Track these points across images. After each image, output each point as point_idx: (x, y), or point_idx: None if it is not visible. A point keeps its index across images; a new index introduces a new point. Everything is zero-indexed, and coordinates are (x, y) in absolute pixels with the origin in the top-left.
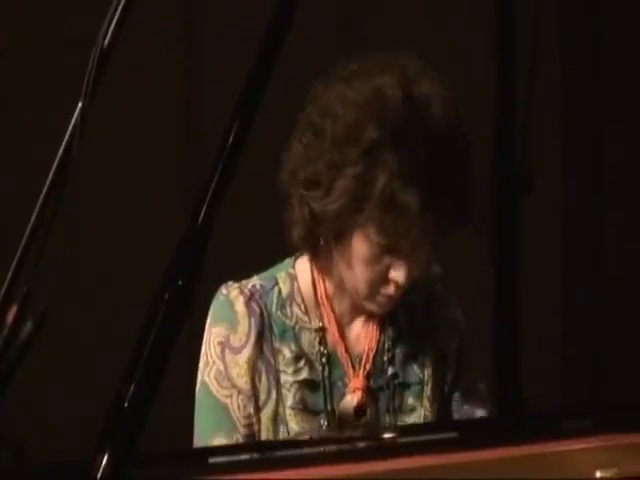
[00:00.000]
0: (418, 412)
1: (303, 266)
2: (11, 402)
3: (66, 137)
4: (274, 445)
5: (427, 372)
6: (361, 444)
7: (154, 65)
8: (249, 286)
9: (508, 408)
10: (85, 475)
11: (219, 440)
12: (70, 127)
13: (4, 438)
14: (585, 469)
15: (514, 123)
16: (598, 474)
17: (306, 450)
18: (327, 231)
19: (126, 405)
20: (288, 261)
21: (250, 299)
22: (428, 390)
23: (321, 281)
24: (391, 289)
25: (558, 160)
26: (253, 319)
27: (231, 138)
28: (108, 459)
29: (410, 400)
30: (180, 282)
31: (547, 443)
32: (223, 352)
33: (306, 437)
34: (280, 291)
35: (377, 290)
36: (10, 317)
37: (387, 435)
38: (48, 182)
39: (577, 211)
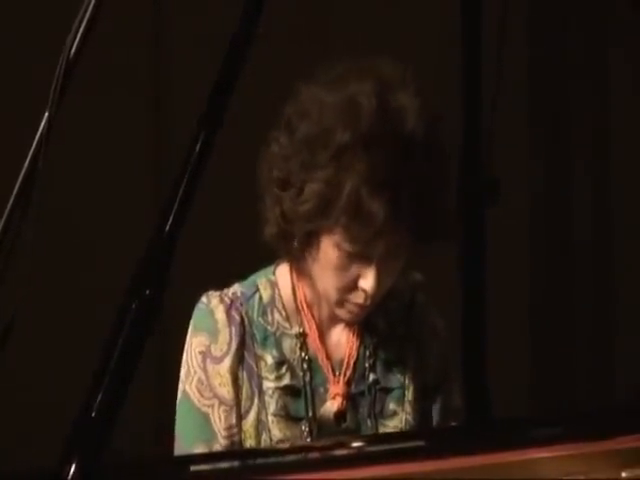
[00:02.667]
0: (400, 416)
1: (283, 272)
2: None
3: (33, 145)
4: (245, 453)
5: (408, 377)
6: (328, 452)
7: (121, 69)
8: (229, 293)
9: (476, 416)
10: None
11: (200, 450)
12: (37, 135)
13: None
14: (552, 476)
15: (479, 135)
16: None
17: (278, 458)
18: (298, 232)
19: (94, 413)
20: (269, 268)
21: (230, 307)
22: (409, 394)
23: (301, 287)
24: (360, 298)
25: (524, 170)
26: (234, 328)
27: (199, 143)
28: (76, 467)
29: (391, 405)
30: (147, 291)
31: (514, 450)
32: (204, 362)
33: (282, 445)
34: (261, 297)
35: (346, 298)
36: None
37: (354, 444)
38: (16, 190)
39: (545, 218)
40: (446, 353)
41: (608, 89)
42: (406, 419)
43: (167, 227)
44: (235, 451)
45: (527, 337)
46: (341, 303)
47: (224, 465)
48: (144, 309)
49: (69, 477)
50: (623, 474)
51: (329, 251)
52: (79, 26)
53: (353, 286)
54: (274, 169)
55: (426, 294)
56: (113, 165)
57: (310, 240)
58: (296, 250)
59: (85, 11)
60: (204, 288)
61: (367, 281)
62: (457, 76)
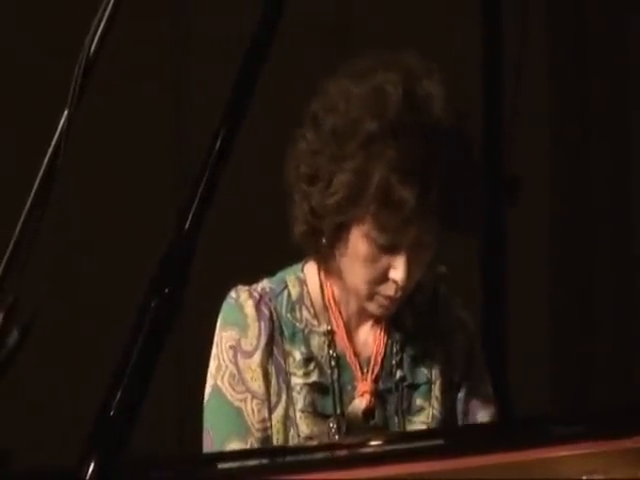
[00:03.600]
0: (427, 412)
1: (312, 270)
2: None
3: (52, 144)
4: (260, 452)
5: (435, 372)
6: (346, 452)
7: (141, 68)
8: (259, 289)
9: (496, 413)
10: None
11: (235, 444)
12: (56, 134)
13: None
14: (573, 475)
15: (501, 135)
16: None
17: (290, 458)
18: (327, 227)
19: (113, 411)
20: (297, 265)
21: (259, 302)
22: (436, 390)
23: (329, 284)
24: (391, 289)
25: (547, 170)
26: (263, 322)
27: (218, 142)
28: (95, 465)
29: (418, 401)
30: (167, 290)
31: (534, 449)
32: (235, 356)
33: (305, 443)
34: (289, 294)
35: (377, 290)
36: None
37: (373, 442)
38: (35, 189)
39: (565, 219)
40: (473, 344)
41: (629, 88)
42: (433, 414)
43: (187, 225)
44: (256, 449)
45: (547, 335)
46: (371, 297)
47: (246, 463)
48: (164, 308)
49: (87, 476)
50: None
51: (359, 243)
52: (98, 25)
53: (383, 278)
54: (301, 165)
55: (449, 286)
56: (133, 164)
57: (339, 234)
58: (325, 247)
59: (104, 10)
60: (224, 286)
61: (397, 272)
62: (478, 76)
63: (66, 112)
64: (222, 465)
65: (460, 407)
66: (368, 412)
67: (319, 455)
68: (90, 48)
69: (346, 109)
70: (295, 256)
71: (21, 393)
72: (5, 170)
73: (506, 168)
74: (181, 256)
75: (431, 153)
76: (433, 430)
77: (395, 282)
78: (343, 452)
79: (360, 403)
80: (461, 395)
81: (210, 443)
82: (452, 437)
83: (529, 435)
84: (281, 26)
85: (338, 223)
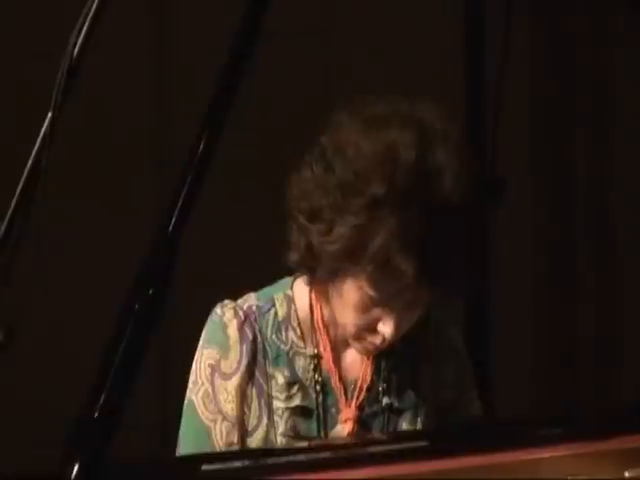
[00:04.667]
0: None
1: (301, 288)
2: None
3: (36, 147)
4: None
5: (422, 396)
6: (333, 454)
7: (124, 69)
8: (245, 307)
9: (479, 415)
10: None
11: None
12: (40, 135)
13: None
14: (557, 476)
15: (484, 135)
16: None
17: (285, 458)
18: (322, 268)
19: (97, 412)
20: (287, 281)
21: (244, 323)
22: (422, 415)
23: (318, 306)
24: (378, 339)
25: (526, 172)
26: (245, 345)
27: (202, 143)
28: (79, 467)
29: (404, 425)
30: (150, 290)
31: (519, 450)
32: (213, 375)
33: (288, 445)
34: (276, 314)
35: (364, 336)
36: None
37: (359, 444)
38: (18, 192)
39: (549, 219)
40: (464, 364)
41: (612, 87)
42: None
43: (170, 226)
44: (242, 451)
45: (531, 337)
46: (357, 338)
47: (229, 465)
48: (147, 308)
49: (72, 477)
50: (626, 474)
51: (352, 291)
52: (82, 25)
53: (372, 328)
54: (304, 199)
55: (441, 309)
56: (116, 164)
57: (334, 277)
58: (319, 280)
59: (89, 9)
60: (208, 288)
61: (386, 327)
62: (461, 76)
63: (50, 113)
64: (206, 467)
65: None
66: None
67: (287, 458)
68: (74, 48)
69: (355, 159)
70: (285, 265)
71: (5, 393)
72: None
73: (490, 169)
74: (165, 256)
75: (435, 227)
76: (418, 431)
77: (383, 335)
78: (322, 455)
79: (342, 430)
80: (453, 413)
81: (179, 450)
82: (435, 438)
83: (514, 436)
84: (266, 26)
85: (334, 269)
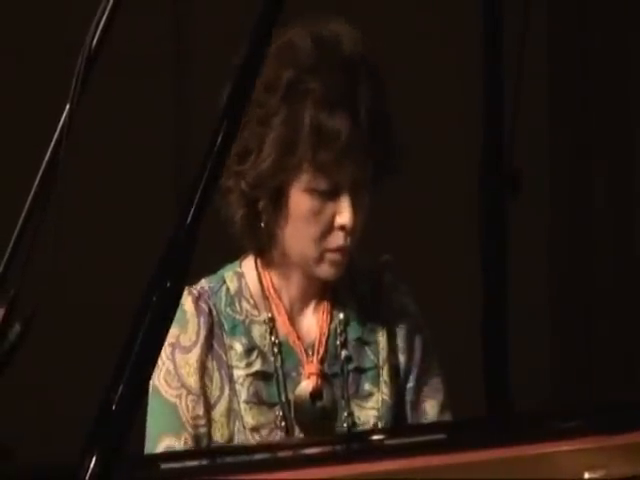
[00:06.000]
0: (376, 397)
1: (249, 263)
2: None
3: (54, 140)
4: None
5: (381, 357)
6: (347, 446)
7: (143, 63)
8: (198, 287)
9: (496, 409)
10: (74, 476)
11: (168, 440)
12: (58, 130)
13: None
14: (574, 470)
15: (502, 126)
16: (586, 475)
17: (290, 452)
18: (265, 197)
19: (114, 406)
20: (235, 262)
21: (198, 299)
22: (384, 375)
23: (267, 275)
24: (340, 238)
25: (546, 162)
26: (202, 317)
27: (219, 138)
28: (96, 460)
29: (367, 386)
30: (168, 284)
31: (535, 444)
32: (173, 353)
33: (296, 439)
34: (228, 289)
35: (326, 245)
36: None
37: (374, 437)
38: (36, 184)
39: (566, 213)
40: (418, 332)
41: (629, 86)
42: (383, 399)
43: (187, 221)
44: (228, 447)
45: (548, 330)
46: (321, 257)
47: (240, 459)
48: (165, 303)
49: (89, 473)
50: None
51: (300, 201)
52: (100, 19)
53: (330, 228)
54: (232, 153)
55: (394, 274)
56: (134, 159)
57: (279, 202)
58: (264, 231)
59: (107, 3)
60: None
61: (343, 215)
62: (478, 70)
63: (67, 107)
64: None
65: (409, 397)
66: (315, 394)
67: (293, 452)
68: (92, 43)
69: (262, 72)
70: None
71: (22, 390)
72: (6, 166)
73: (507, 162)
74: (182, 249)
75: (351, 86)
76: (434, 424)
77: (343, 228)
78: (322, 449)
79: (307, 385)
80: (410, 385)
81: (146, 446)
82: (450, 431)
83: (530, 430)
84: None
85: (276, 187)
